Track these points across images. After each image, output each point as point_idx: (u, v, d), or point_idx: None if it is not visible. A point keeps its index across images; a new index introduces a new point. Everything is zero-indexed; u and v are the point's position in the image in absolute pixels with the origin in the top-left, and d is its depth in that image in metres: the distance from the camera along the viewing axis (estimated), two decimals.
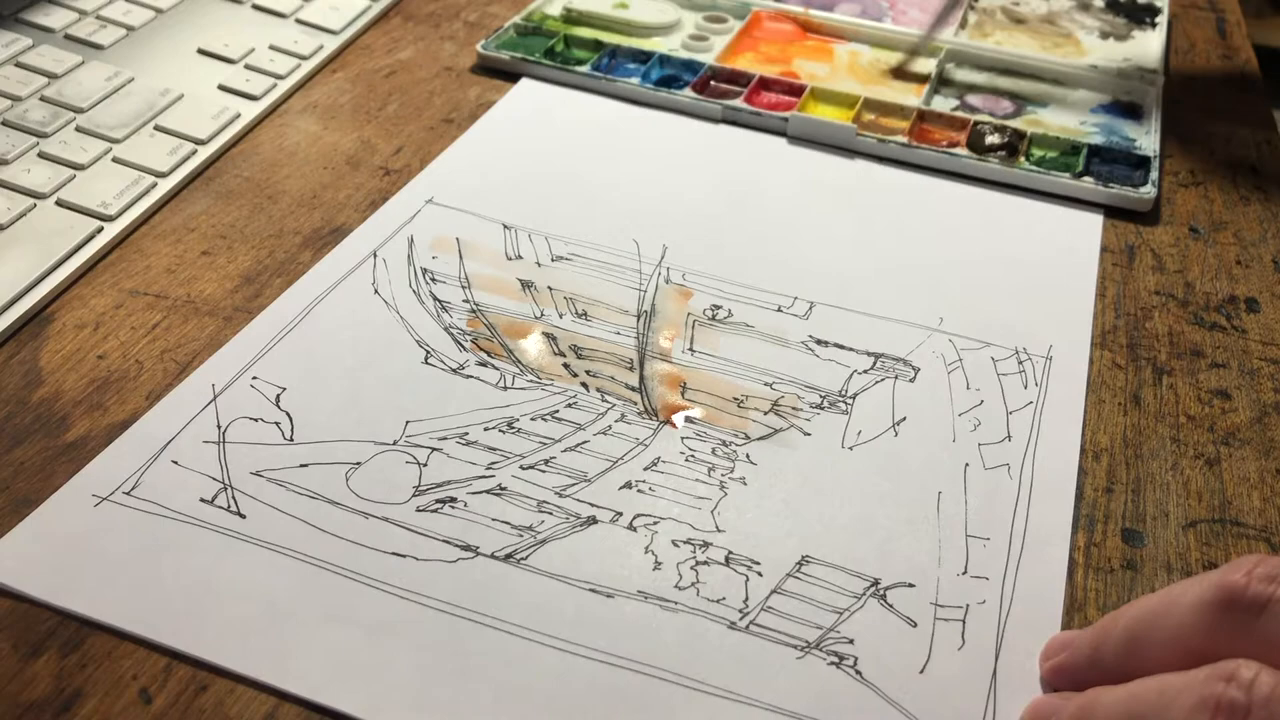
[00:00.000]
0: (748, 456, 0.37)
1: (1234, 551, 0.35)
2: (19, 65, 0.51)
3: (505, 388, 0.39)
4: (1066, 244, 0.47)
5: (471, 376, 0.39)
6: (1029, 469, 0.37)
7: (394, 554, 0.33)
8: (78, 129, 0.48)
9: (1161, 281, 0.46)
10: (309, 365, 0.39)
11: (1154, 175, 0.50)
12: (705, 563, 0.34)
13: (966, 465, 0.37)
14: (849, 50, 0.60)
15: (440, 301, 0.42)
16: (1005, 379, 0.40)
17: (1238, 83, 0.61)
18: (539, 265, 0.44)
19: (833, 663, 0.31)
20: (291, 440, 0.36)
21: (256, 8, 0.59)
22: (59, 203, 0.45)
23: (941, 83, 0.58)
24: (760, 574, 0.33)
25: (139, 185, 0.46)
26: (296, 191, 0.48)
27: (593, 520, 0.35)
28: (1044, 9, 0.66)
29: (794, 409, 0.39)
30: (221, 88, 0.53)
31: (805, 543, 0.34)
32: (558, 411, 0.38)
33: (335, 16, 0.59)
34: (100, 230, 0.44)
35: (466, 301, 0.43)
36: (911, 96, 0.56)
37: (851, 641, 0.32)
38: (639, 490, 0.36)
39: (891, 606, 0.33)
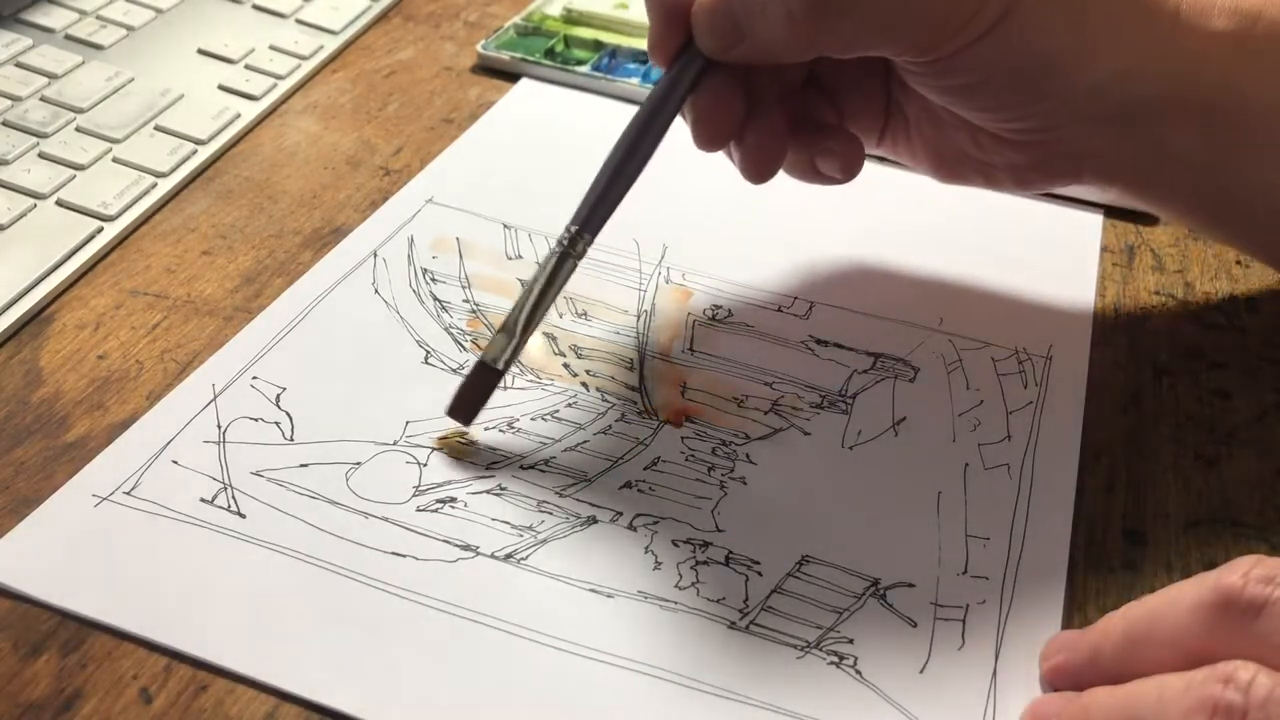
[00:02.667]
0: (748, 456, 0.37)
1: (1234, 551, 0.35)
2: (19, 65, 0.52)
3: (505, 388, 0.39)
4: (1066, 244, 0.47)
5: None
6: (1029, 469, 0.37)
7: (394, 554, 0.33)
8: (78, 129, 0.48)
9: (1161, 281, 0.46)
10: (309, 365, 0.39)
11: None
12: (705, 563, 0.34)
13: (966, 465, 0.37)
14: None
15: (440, 301, 0.42)
16: (1005, 379, 0.40)
17: None
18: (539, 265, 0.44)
19: (833, 663, 0.31)
20: (291, 440, 0.36)
21: (256, 8, 0.59)
22: (59, 203, 0.45)
23: None
24: (760, 574, 0.33)
25: (139, 185, 0.46)
26: (296, 191, 0.48)
27: (593, 520, 0.35)
28: None
29: (794, 409, 0.39)
30: (221, 88, 0.53)
31: (805, 543, 0.34)
32: (558, 411, 0.38)
33: (335, 16, 0.59)
34: (100, 230, 0.44)
35: (466, 301, 0.43)
36: None
37: (851, 641, 0.32)
38: (639, 490, 0.36)
39: (891, 606, 0.33)
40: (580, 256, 0.36)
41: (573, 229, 0.36)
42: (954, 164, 0.40)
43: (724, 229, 0.47)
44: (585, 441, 0.37)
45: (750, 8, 0.33)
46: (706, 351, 0.41)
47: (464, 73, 0.57)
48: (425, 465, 0.36)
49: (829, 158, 0.39)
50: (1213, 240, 0.47)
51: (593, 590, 0.33)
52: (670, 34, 0.36)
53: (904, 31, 0.33)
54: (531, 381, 0.39)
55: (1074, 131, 0.36)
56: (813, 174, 0.40)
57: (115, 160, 0.47)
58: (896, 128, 0.40)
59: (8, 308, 0.40)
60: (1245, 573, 0.26)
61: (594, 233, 0.36)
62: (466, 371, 0.37)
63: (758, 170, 0.38)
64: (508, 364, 0.36)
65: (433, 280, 0.43)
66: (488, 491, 0.35)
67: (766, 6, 0.33)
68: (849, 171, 0.39)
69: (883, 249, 0.46)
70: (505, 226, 0.46)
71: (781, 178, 0.40)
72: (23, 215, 0.44)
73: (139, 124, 0.49)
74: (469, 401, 0.36)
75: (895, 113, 0.40)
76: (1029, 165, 0.38)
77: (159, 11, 0.57)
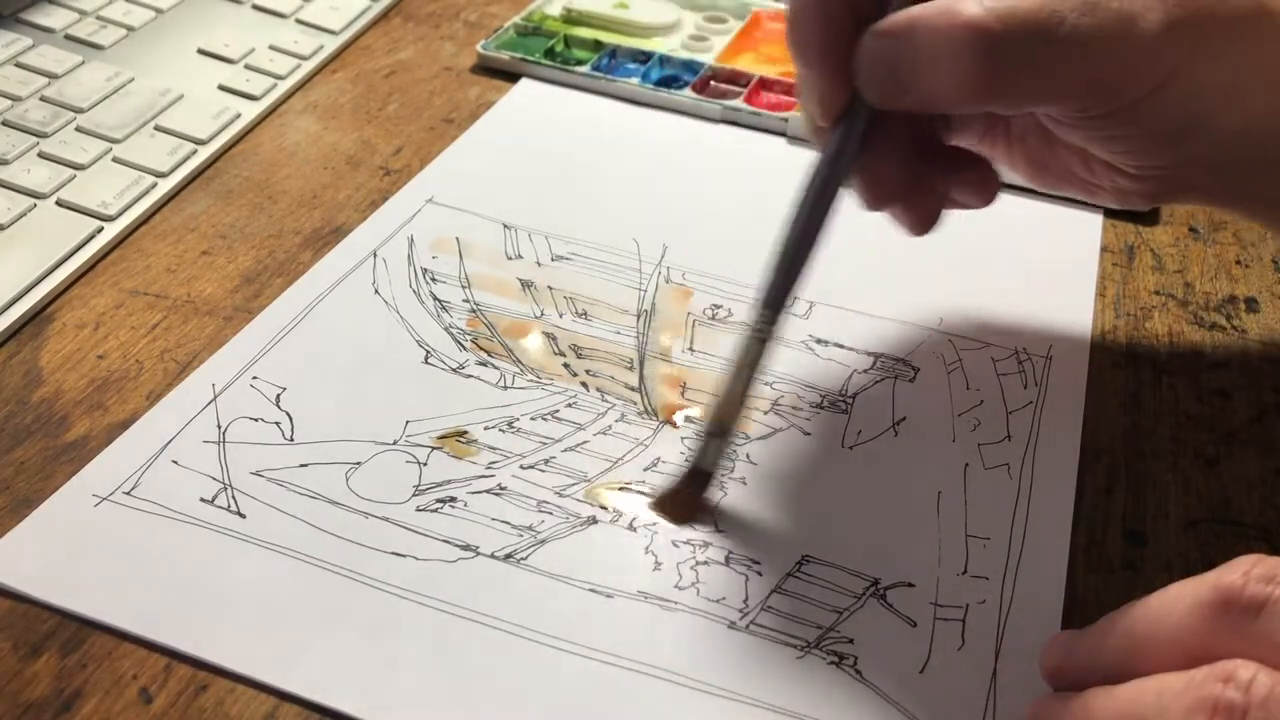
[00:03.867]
0: (748, 456, 0.37)
1: (1234, 551, 0.35)
2: (19, 65, 0.52)
3: (505, 387, 0.39)
4: (1066, 244, 0.47)
5: (471, 376, 0.39)
6: (1029, 469, 0.37)
7: (394, 554, 0.33)
8: (78, 129, 0.48)
9: (1161, 281, 0.46)
10: (309, 365, 0.39)
11: None
12: (705, 563, 0.34)
13: (966, 465, 0.37)
14: None
15: (440, 301, 0.42)
16: (1005, 379, 0.40)
17: None
18: (539, 265, 0.44)
19: (833, 663, 0.31)
20: (291, 440, 0.36)
21: (256, 8, 0.59)
22: (59, 203, 0.45)
23: None
24: (760, 574, 0.33)
25: (139, 185, 0.46)
26: (296, 191, 0.48)
27: (593, 520, 0.35)
28: None
29: (794, 409, 0.39)
30: (221, 88, 0.53)
31: (805, 543, 0.34)
32: (558, 411, 0.38)
33: (335, 16, 0.59)
34: (100, 230, 0.44)
35: (466, 301, 0.43)
36: None
37: (851, 641, 0.32)
38: (639, 490, 0.36)
39: (891, 606, 0.33)
40: (773, 338, 0.34)
41: (763, 310, 0.34)
42: (1054, 176, 0.39)
43: (724, 229, 0.47)
44: (585, 441, 0.37)
45: (918, 64, 0.32)
46: (706, 351, 0.41)
47: (464, 73, 0.57)
48: (425, 465, 0.36)
49: (966, 188, 0.38)
50: None
51: (593, 590, 0.33)
52: (838, 89, 0.34)
53: (1074, 92, 0.32)
54: (531, 381, 0.39)
55: (1201, 170, 0.35)
56: (948, 202, 0.39)
57: (115, 160, 0.47)
58: (997, 133, 0.39)
59: (8, 308, 0.40)
60: (1245, 572, 0.26)
61: (782, 310, 0.34)
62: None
63: (926, 222, 0.37)
64: (715, 465, 0.35)
65: (433, 280, 0.43)
66: (488, 491, 0.35)
67: (937, 63, 0.32)
68: (986, 200, 0.38)
69: (883, 249, 0.46)
70: (505, 226, 0.46)
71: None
72: (23, 215, 0.44)
73: (139, 124, 0.49)
74: (685, 508, 0.35)
75: (1000, 120, 0.39)
76: (1136, 191, 0.37)
77: (159, 11, 0.57)
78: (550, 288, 0.43)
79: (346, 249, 0.45)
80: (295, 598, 0.32)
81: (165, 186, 0.47)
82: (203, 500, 0.34)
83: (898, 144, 0.36)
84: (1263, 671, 0.24)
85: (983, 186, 0.38)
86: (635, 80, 0.56)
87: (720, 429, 0.34)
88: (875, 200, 0.37)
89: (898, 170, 0.36)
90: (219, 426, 0.37)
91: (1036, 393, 0.40)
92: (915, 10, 0.32)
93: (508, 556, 0.33)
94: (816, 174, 0.35)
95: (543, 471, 0.36)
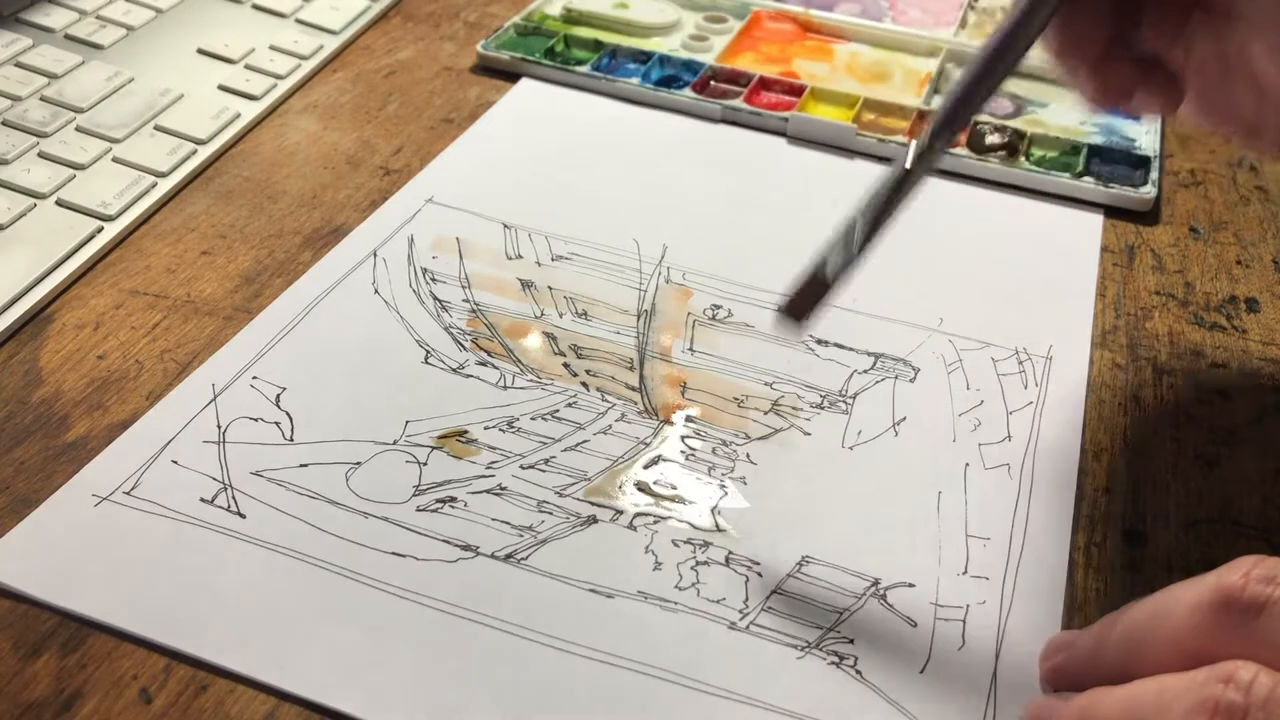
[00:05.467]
0: (748, 456, 0.37)
1: (1234, 551, 0.35)
2: (19, 65, 0.52)
3: (505, 387, 0.39)
4: (1066, 244, 0.47)
5: (471, 376, 0.39)
6: (1029, 469, 0.37)
7: (394, 554, 0.33)
8: (78, 129, 0.48)
9: (1161, 281, 0.46)
10: (309, 365, 0.39)
11: (1154, 175, 0.50)
12: (705, 563, 0.34)
13: (966, 465, 0.37)
14: (849, 50, 0.60)
15: (440, 301, 0.42)
16: (1005, 379, 0.40)
17: None
18: (539, 265, 0.44)
19: (833, 663, 0.31)
20: (291, 440, 0.36)
21: (256, 8, 0.59)
22: (59, 203, 0.45)
23: (942, 83, 0.58)
24: (760, 574, 0.33)
25: (139, 185, 0.46)
26: (296, 191, 0.48)
27: (593, 520, 0.35)
28: None
29: (794, 409, 0.39)
30: (221, 88, 0.53)
31: (805, 543, 0.34)
32: (558, 411, 0.38)
33: (335, 16, 0.59)
34: (100, 230, 0.44)
35: (466, 301, 0.43)
36: (911, 96, 0.56)
37: (851, 641, 0.32)
38: (639, 490, 0.36)
39: (891, 606, 0.33)
40: (934, 166, 0.33)
41: (933, 130, 0.33)
42: (1219, 112, 0.36)
43: (724, 228, 0.47)
44: (585, 441, 0.37)
45: None
46: (706, 351, 0.41)
47: (464, 73, 0.57)
48: (425, 465, 0.36)
49: (1151, 89, 0.36)
50: None
51: (593, 590, 0.33)
52: None
53: None
54: (531, 381, 0.39)
55: None
56: (1128, 102, 0.37)
57: (115, 160, 0.47)
58: (1173, 58, 0.37)
59: (8, 308, 0.40)
60: (1246, 572, 0.26)
61: (949, 134, 0.33)
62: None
63: (1115, 94, 0.36)
64: (835, 278, 0.33)
65: (433, 280, 0.43)
66: (488, 491, 0.35)
67: None
68: (1170, 107, 0.37)
69: (883, 249, 0.46)
70: (505, 226, 0.46)
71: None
72: (23, 215, 0.44)
73: (139, 124, 0.49)
74: (800, 307, 0.34)
75: (1179, 41, 0.37)
76: None
77: (159, 11, 0.57)
78: (550, 288, 0.43)
79: (346, 249, 0.45)
80: (295, 598, 0.32)
81: (165, 186, 0.47)
82: (203, 500, 0.34)
83: (1099, 14, 0.34)
84: (1263, 672, 0.24)
85: (1168, 93, 0.36)
86: (635, 80, 0.56)
87: (845, 243, 0.33)
88: (1066, 51, 0.35)
89: (1096, 35, 0.35)
90: (219, 426, 0.37)
91: (1036, 393, 0.40)
92: None
93: (508, 556, 0.33)
94: (1012, 16, 0.33)
95: (543, 471, 0.36)
